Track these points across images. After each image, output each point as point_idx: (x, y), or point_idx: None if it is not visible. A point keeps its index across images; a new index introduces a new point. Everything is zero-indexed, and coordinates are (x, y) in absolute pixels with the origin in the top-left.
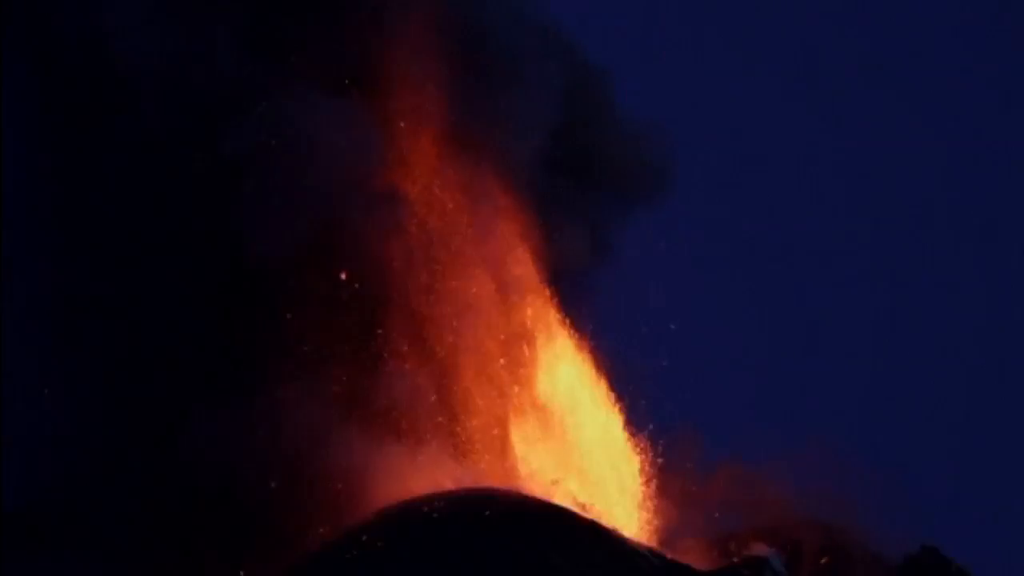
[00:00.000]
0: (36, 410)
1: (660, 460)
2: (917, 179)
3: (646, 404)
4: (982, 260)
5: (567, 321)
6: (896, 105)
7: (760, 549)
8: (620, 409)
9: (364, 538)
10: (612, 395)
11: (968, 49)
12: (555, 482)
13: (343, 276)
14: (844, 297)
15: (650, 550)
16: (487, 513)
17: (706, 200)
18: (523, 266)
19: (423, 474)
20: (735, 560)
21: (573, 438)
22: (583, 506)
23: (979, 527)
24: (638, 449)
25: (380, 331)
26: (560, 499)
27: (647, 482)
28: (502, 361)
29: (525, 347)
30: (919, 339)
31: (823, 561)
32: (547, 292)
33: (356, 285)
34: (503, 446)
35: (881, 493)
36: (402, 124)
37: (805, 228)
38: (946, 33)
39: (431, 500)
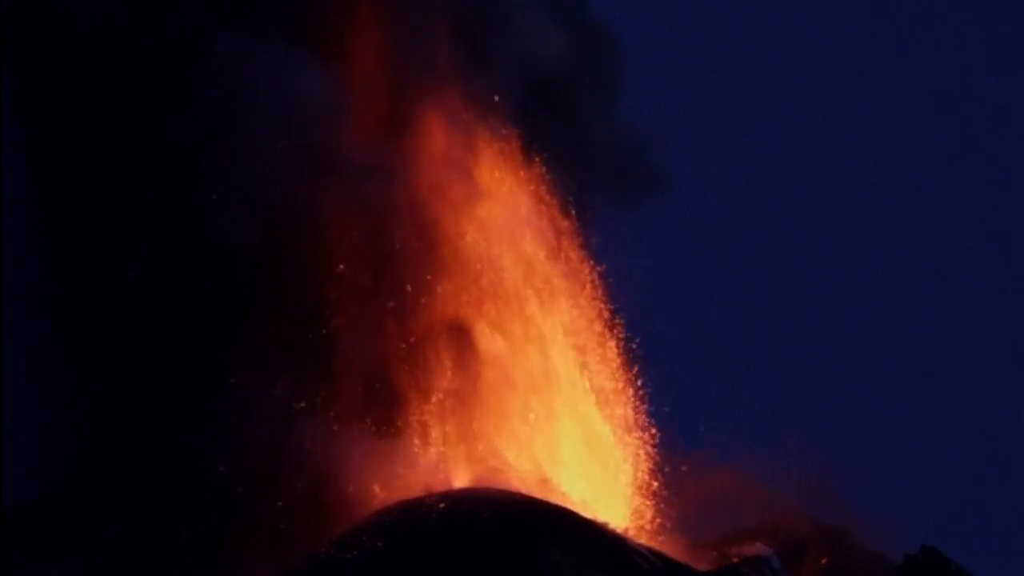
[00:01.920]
0: (30, 409)
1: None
2: (915, 179)
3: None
4: (981, 257)
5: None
6: (903, 103)
7: (759, 549)
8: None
9: (364, 538)
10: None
11: (968, 48)
12: (545, 481)
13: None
14: (844, 296)
15: (649, 549)
16: (486, 513)
17: (695, 198)
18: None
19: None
20: (735, 560)
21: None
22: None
23: (979, 527)
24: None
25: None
26: (541, 487)
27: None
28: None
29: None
30: (920, 339)
31: (823, 562)
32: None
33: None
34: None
35: (881, 493)
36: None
37: (805, 225)
38: (948, 29)
39: (430, 500)
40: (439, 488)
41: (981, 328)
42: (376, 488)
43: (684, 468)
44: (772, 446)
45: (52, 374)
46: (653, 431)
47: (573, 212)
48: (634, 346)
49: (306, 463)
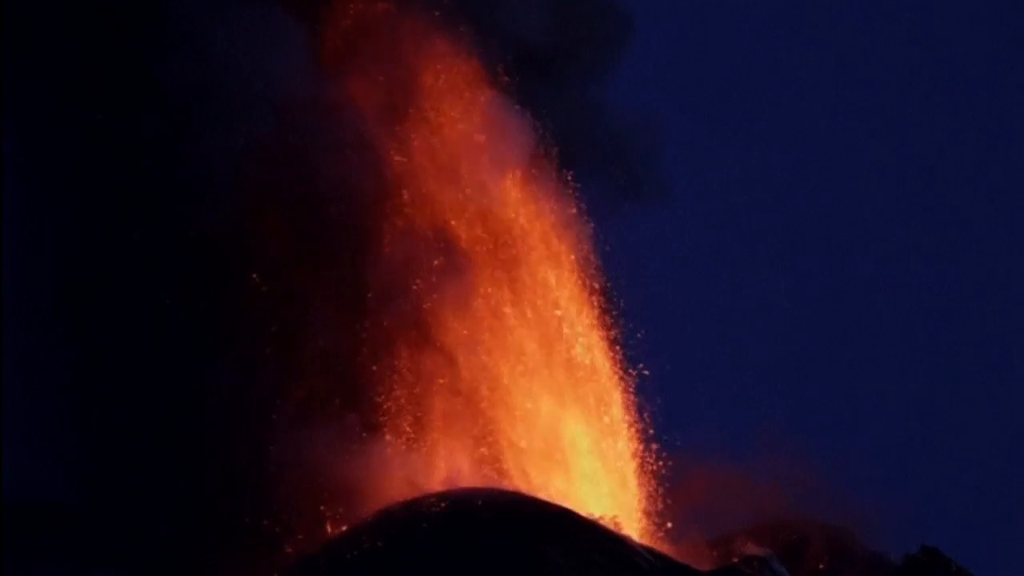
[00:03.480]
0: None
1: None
2: (914, 179)
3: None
4: (980, 258)
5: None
6: (909, 99)
7: (759, 549)
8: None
9: (364, 538)
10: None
11: (976, 47)
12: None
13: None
14: (842, 295)
15: (649, 549)
16: (487, 513)
17: (683, 196)
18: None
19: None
20: (735, 560)
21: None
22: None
23: (979, 527)
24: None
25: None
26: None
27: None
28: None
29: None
30: (919, 337)
31: (821, 567)
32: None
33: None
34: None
35: (880, 493)
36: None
37: (801, 223)
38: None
39: (430, 500)
40: (427, 473)
41: (980, 325)
42: (363, 480)
43: (677, 467)
44: (766, 446)
45: (48, 374)
46: (643, 426)
47: (556, 153)
48: (640, 335)
49: (290, 463)
